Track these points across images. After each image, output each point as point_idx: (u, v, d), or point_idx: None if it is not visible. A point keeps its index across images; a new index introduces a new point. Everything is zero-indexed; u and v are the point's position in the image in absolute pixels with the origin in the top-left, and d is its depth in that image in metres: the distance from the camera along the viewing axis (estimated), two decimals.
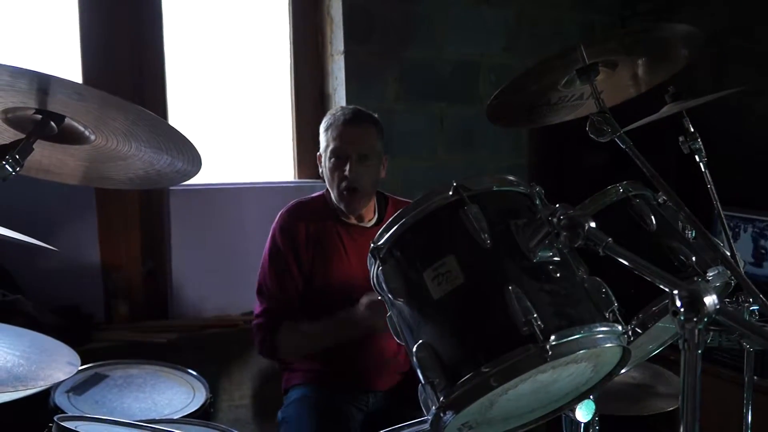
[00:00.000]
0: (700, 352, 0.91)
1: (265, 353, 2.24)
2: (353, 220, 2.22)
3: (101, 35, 2.60)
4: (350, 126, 2.14)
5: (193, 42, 2.83)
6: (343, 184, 2.12)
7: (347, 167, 2.11)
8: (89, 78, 2.57)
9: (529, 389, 1.03)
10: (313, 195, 2.31)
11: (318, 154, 2.23)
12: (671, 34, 1.45)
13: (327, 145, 2.16)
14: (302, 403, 2.14)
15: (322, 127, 2.21)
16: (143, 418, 1.69)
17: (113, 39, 2.62)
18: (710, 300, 0.89)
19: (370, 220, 2.24)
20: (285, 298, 2.18)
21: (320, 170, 2.23)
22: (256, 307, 2.23)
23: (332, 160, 2.14)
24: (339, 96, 2.93)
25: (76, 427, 1.44)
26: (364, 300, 2.00)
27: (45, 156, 1.31)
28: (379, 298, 1.17)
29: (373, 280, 1.14)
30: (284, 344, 2.19)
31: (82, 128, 1.24)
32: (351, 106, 2.27)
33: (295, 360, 2.27)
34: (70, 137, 1.25)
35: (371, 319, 1.96)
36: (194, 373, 2.11)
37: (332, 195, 2.19)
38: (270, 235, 2.23)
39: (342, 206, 2.17)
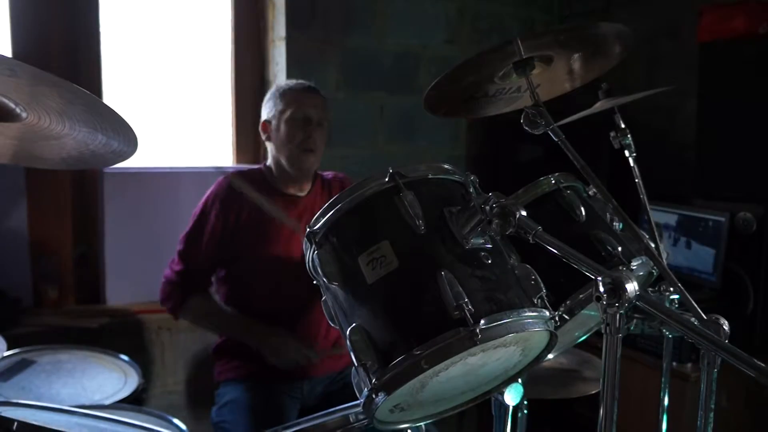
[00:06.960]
0: (620, 336, 0.96)
1: (166, 307, 2.26)
2: (291, 191, 2.25)
3: (33, 8, 2.51)
4: (309, 93, 2.23)
5: (131, 22, 2.76)
6: (304, 145, 2.18)
7: (308, 129, 2.18)
8: (19, 53, 2.49)
9: (459, 372, 1.06)
10: (252, 167, 2.37)
11: (263, 121, 2.25)
12: (604, 32, 1.49)
13: (283, 109, 2.19)
14: (237, 406, 2.12)
15: (272, 95, 2.24)
16: (72, 404, 1.66)
17: (46, 13, 2.54)
18: (631, 287, 0.94)
19: (305, 190, 2.29)
20: (206, 265, 2.22)
21: (264, 137, 2.26)
22: (174, 263, 2.22)
23: (291, 122, 2.17)
24: (279, 82, 2.91)
25: None
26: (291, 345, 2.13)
27: None
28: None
29: (309, 265, 1.14)
30: (189, 312, 2.24)
31: (12, 105, 1.20)
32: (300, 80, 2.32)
33: (228, 348, 2.27)
34: None
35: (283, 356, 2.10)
36: (126, 358, 2.08)
37: (283, 158, 2.21)
38: (203, 200, 2.23)
39: (295, 167, 2.21)
